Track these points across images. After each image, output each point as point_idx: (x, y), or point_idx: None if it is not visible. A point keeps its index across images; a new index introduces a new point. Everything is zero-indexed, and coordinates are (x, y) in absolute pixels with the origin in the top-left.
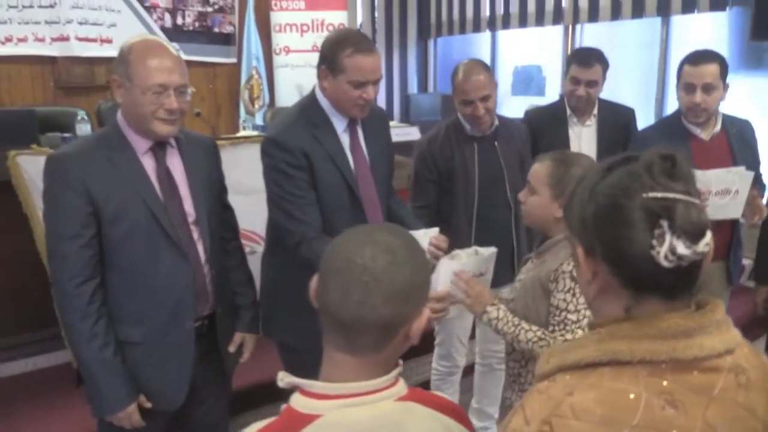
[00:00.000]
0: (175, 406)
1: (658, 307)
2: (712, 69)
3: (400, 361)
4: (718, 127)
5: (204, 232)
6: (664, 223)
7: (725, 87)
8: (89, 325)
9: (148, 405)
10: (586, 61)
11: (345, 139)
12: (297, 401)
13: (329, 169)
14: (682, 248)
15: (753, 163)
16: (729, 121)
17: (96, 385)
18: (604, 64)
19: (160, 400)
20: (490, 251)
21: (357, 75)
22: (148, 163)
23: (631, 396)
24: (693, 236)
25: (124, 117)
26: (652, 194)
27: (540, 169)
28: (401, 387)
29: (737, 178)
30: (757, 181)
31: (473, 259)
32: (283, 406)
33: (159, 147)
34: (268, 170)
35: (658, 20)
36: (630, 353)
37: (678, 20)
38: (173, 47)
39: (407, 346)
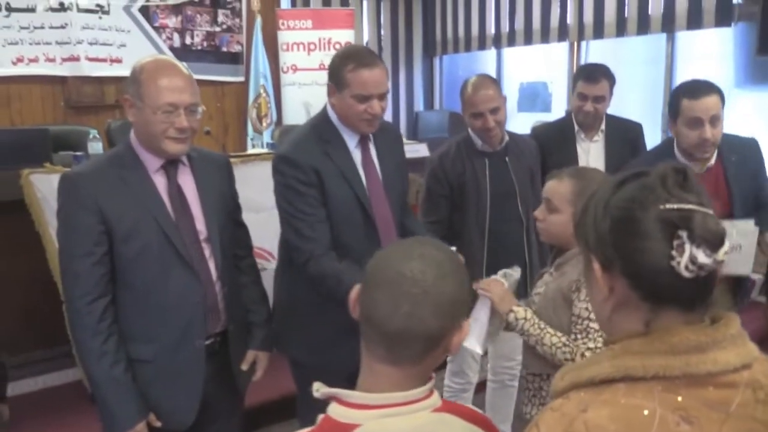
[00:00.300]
0: (185, 425)
1: (677, 319)
2: (714, 100)
3: (433, 374)
4: (713, 159)
5: (216, 250)
6: (683, 234)
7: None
8: (99, 343)
9: (158, 424)
10: (592, 77)
11: (357, 156)
12: (335, 411)
13: (341, 185)
14: (702, 257)
15: (757, 189)
16: (728, 148)
17: (106, 402)
18: (610, 79)
19: (170, 419)
20: (518, 272)
21: (360, 89)
22: (160, 182)
23: (645, 412)
24: (712, 245)
25: (136, 136)
26: (668, 205)
27: (561, 187)
28: (436, 398)
29: (738, 232)
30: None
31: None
32: (320, 416)
33: (171, 165)
34: (279, 187)
35: (663, 36)
36: (643, 369)
37: (683, 35)
38: (184, 66)
39: (443, 359)
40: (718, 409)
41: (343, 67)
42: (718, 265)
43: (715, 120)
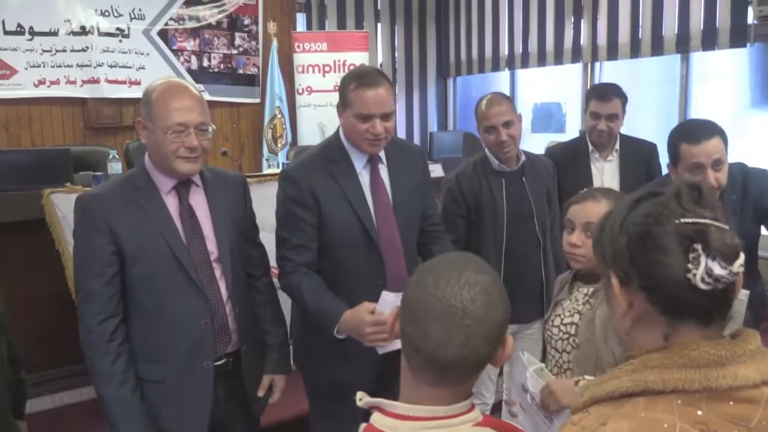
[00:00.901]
0: None
1: (695, 333)
2: (716, 143)
3: (473, 390)
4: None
5: (227, 270)
6: (699, 247)
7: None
8: (108, 363)
9: None
10: (605, 96)
11: (365, 176)
12: (378, 420)
13: (342, 207)
14: (718, 269)
15: (759, 223)
16: (729, 183)
17: (113, 422)
18: (622, 97)
19: None
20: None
21: (361, 108)
22: (172, 203)
23: (665, 425)
24: (728, 257)
25: (149, 158)
26: (684, 220)
27: (600, 208)
28: (477, 413)
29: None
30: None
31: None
32: (363, 426)
33: (183, 186)
34: (278, 201)
35: (678, 56)
36: (662, 383)
37: (698, 55)
38: (196, 88)
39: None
40: (739, 424)
41: (346, 87)
42: (734, 277)
43: (718, 163)
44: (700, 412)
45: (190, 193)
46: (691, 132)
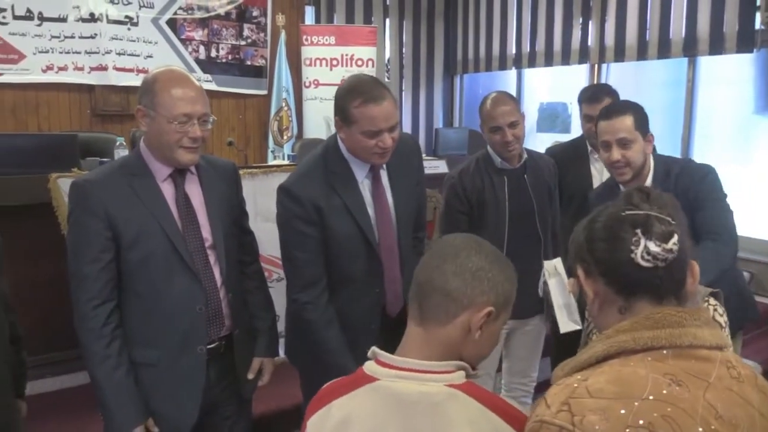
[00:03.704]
0: (185, 430)
1: (648, 309)
2: (621, 122)
3: (479, 370)
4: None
5: (221, 257)
6: (639, 231)
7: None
8: (102, 347)
9: (155, 430)
10: (594, 97)
11: (366, 186)
12: (368, 365)
13: (344, 220)
14: (653, 246)
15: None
16: (664, 172)
17: (106, 405)
18: (614, 96)
19: (171, 422)
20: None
21: (369, 125)
22: (168, 190)
23: (639, 376)
24: (662, 237)
25: (146, 145)
26: (629, 212)
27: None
28: (457, 376)
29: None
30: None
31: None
32: (360, 367)
33: (179, 174)
34: (280, 219)
35: (685, 60)
36: (633, 341)
37: (705, 59)
38: (196, 77)
39: (474, 348)
40: (700, 377)
41: (349, 103)
42: (669, 254)
43: (625, 143)
44: (667, 367)
45: (185, 180)
46: (606, 110)
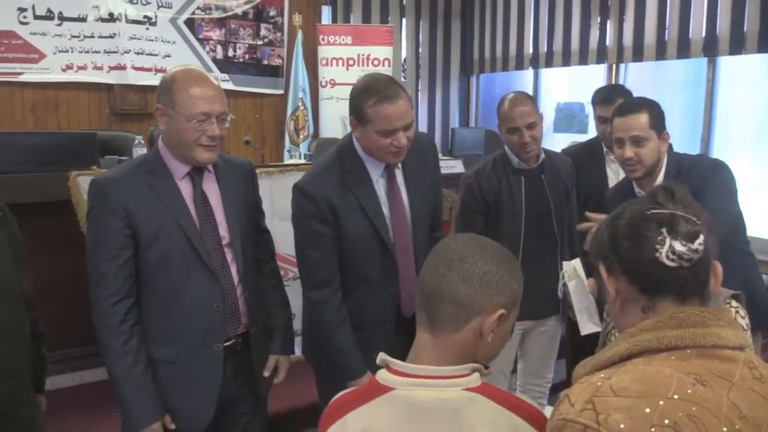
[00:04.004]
0: (201, 427)
1: (671, 308)
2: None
3: (490, 368)
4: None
5: (237, 255)
6: (664, 230)
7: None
8: (121, 343)
9: (173, 427)
10: (607, 99)
11: (381, 185)
12: (381, 375)
13: (359, 219)
14: (679, 246)
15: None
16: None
17: (124, 401)
18: (626, 96)
19: (188, 420)
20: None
21: (384, 124)
22: (186, 188)
23: (664, 375)
24: (688, 237)
25: (165, 144)
26: (654, 211)
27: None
28: (473, 379)
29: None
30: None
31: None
32: (372, 377)
33: (196, 172)
34: (295, 218)
35: (704, 60)
36: (657, 341)
37: (725, 59)
38: (213, 77)
39: (486, 349)
40: (724, 377)
41: (363, 102)
42: (695, 254)
43: (638, 139)
44: (691, 366)
45: (203, 179)
46: (622, 107)
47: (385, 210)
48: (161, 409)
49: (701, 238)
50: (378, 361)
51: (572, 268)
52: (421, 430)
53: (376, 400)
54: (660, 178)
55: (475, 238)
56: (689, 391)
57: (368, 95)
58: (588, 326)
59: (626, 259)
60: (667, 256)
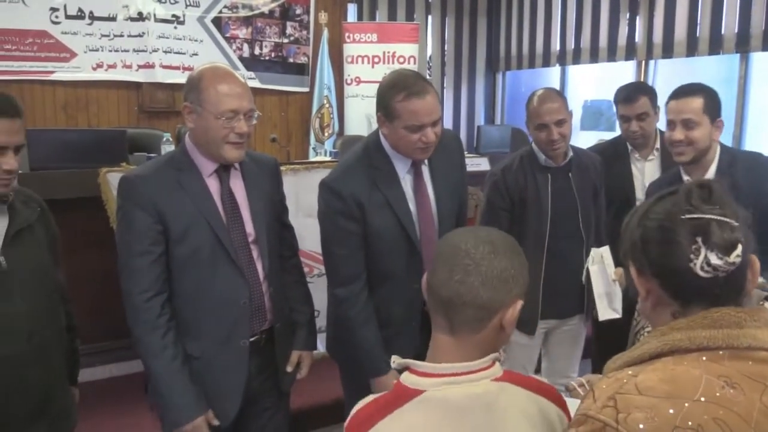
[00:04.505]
0: (227, 421)
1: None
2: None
3: (502, 352)
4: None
5: (263, 251)
6: (699, 240)
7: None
8: (159, 337)
9: (215, 422)
10: (630, 97)
11: (408, 182)
12: (406, 378)
13: (386, 216)
14: (715, 259)
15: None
16: (728, 162)
17: (167, 395)
18: (649, 94)
19: (214, 414)
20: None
21: (412, 119)
22: (213, 185)
23: (692, 376)
24: (724, 249)
25: (193, 141)
26: (689, 216)
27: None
28: (497, 369)
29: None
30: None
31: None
32: (394, 382)
33: (223, 170)
34: (321, 215)
35: (737, 56)
36: (689, 340)
37: (758, 56)
38: (239, 75)
39: (504, 339)
40: (757, 380)
41: (392, 98)
42: (731, 266)
43: (690, 123)
44: (723, 368)
45: (230, 176)
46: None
47: (412, 206)
48: (204, 404)
49: (738, 249)
50: (395, 365)
51: (599, 255)
52: (459, 429)
53: (407, 405)
54: (712, 170)
55: (481, 235)
56: (717, 393)
57: (396, 91)
58: (607, 312)
59: (657, 264)
60: (702, 268)
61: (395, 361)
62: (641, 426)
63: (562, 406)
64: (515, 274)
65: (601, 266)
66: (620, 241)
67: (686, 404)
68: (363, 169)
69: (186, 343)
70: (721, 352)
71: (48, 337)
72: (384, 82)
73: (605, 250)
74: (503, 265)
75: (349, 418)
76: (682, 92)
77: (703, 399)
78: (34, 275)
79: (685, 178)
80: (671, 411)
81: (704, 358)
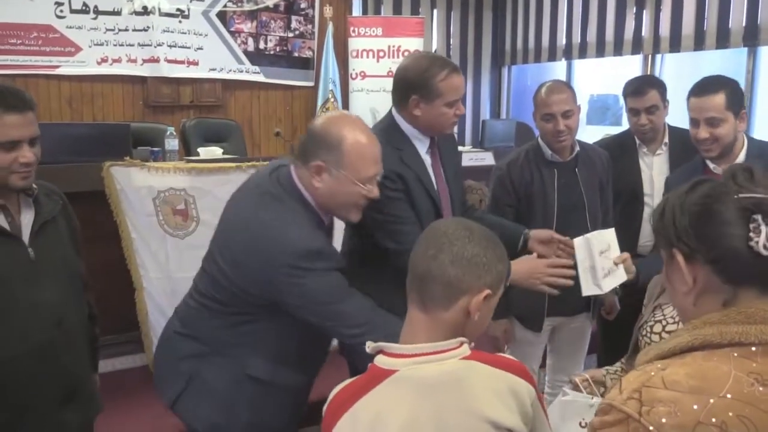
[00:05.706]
0: None
1: (755, 298)
2: (718, 99)
3: (473, 344)
4: (742, 157)
5: None
6: (758, 217)
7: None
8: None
9: None
10: (639, 90)
11: (427, 160)
12: (379, 360)
13: (419, 190)
14: None
15: None
16: (755, 152)
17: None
18: (659, 87)
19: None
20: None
21: (454, 95)
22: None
23: (721, 372)
24: None
25: (318, 198)
26: (742, 195)
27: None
28: (465, 349)
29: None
30: None
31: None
32: (369, 365)
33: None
34: None
35: (745, 50)
36: (720, 335)
37: (766, 50)
38: (244, 69)
39: (474, 329)
40: None
41: (434, 77)
42: None
43: (714, 121)
44: (755, 365)
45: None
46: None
47: (434, 183)
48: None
49: None
50: (369, 349)
51: (600, 234)
52: (431, 404)
53: (381, 385)
54: (741, 158)
55: (463, 222)
56: (745, 391)
57: (439, 69)
58: (590, 288)
59: (713, 247)
60: (765, 246)
61: (370, 345)
62: (664, 420)
63: (531, 381)
64: (486, 263)
65: (586, 239)
66: (655, 234)
67: (711, 400)
68: (390, 150)
69: (280, 371)
70: (753, 348)
71: (75, 323)
72: (413, 65)
73: (610, 232)
74: (476, 251)
75: (327, 402)
76: (704, 89)
77: (729, 396)
78: (59, 265)
79: (712, 166)
80: (695, 406)
81: (735, 354)
